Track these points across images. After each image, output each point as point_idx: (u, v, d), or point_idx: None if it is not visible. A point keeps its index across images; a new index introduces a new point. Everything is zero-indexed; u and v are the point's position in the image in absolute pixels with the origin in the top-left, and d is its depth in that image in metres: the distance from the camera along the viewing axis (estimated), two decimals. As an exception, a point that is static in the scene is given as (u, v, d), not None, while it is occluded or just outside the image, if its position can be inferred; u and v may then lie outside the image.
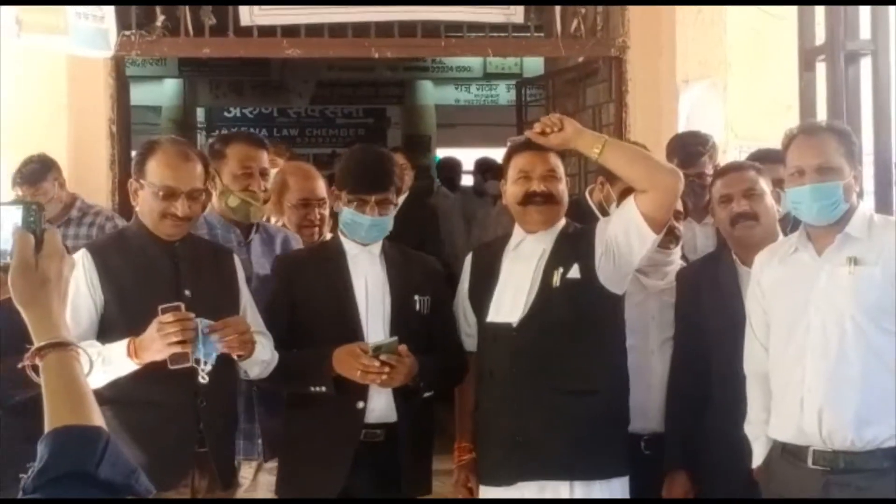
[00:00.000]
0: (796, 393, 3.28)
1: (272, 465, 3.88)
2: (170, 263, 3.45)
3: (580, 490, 3.51)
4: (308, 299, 3.66)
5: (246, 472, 3.89)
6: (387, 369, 3.40)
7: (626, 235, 3.49)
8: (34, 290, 1.80)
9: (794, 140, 3.41)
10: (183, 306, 3.23)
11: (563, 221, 3.70)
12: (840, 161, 3.33)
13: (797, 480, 3.30)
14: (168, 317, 3.18)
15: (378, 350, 3.40)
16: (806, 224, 3.40)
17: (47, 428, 1.69)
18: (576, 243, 3.61)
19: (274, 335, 3.59)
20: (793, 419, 3.29)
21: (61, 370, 1.74)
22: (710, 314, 3.72)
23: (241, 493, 3.86)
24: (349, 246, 3.69)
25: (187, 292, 3.40)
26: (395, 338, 3.45)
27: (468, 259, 3.89)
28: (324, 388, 3.51)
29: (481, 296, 3.69)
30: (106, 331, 3.30)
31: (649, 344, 3.86)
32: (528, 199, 3.61)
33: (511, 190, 3.67)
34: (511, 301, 3.61)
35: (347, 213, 3.63)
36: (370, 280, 3.63)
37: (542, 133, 3.42)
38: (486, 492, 3.67)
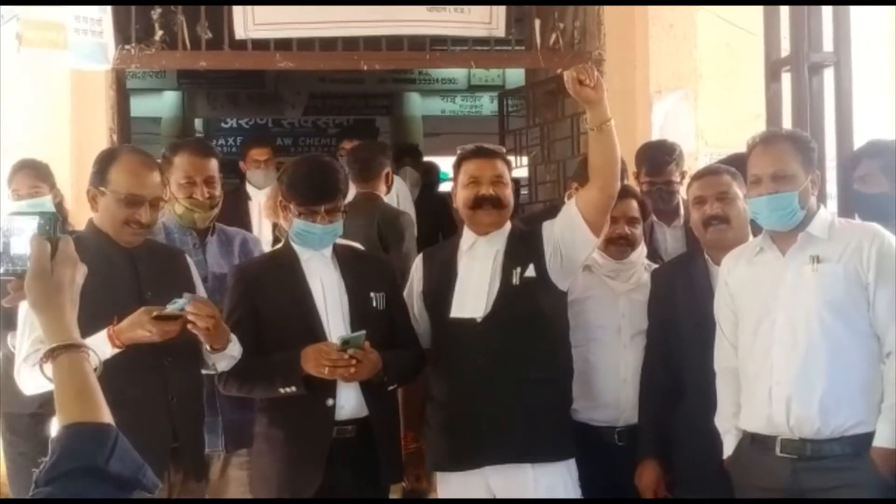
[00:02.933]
0: (765, 385, 3.30)
1: (240, 459, 3.88)
2: (129, 267, 3.40)
3: (541, 471, 3.58)
4: (268, 307, 3.61)
5: (214, 465, 3.86)
6: (354, 363, 3.39)
7: (571, 237, 3.60)
8: (49, 295, 1.82)
9: (753, 149, 3.44)
10: (181, 317, 3.18)
11: (509, 224, 3.77)
12: (795, 168, 3.35)
13: (766, 468, 3.32)
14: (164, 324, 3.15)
15: (346, 344, 3.38)
16: (765, 227, 3.42)
17: (59, 425, 1.71)
18: (527, 244, 3.70)
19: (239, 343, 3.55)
20: (762, 410, 3.30)
21: (73, 370, 1.77)
22: (683, 312, 3.73)
23: (210, 488, 3.83)
24: (301, 251, 3.65)
25: (149, 293, 3.35)
26: (363, 332, 3.43)
27: (418, 261, 3.93)
28: (293, 388, 3.47)
29: (439, 294, 3.73)
30: None
31: (621, 338, 3.88)
32: (477, 203, 3.67)
33: (461, 194, 3.73)
34: (473, 298, 3.66)
35: (298, 223, 3.59)
36: (325, 282, 3.61)
37: (580, 81, 3.40)
38: (447, 478, 3.70)
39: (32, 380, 3.15)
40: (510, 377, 3.59)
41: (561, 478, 3.61)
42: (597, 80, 3.41)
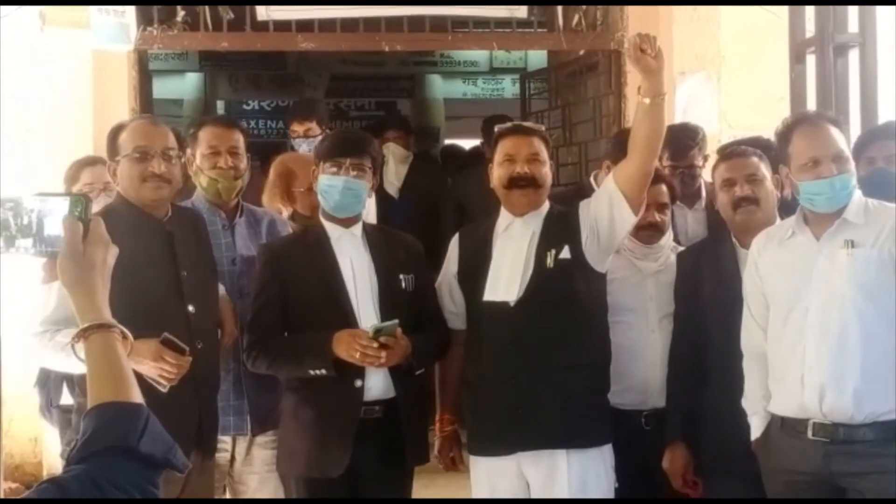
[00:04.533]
0: (797, 370, 3.27)
1: (264, 439, 3.87)
2: (165, 245, 3.41)
3: (575, 458, 3.53)
4: (297, 285, 3.61)
5: (240, 447, 3.87)
6: (383, 352, 3.39)
7: (609, 214, 3.53)
8: (81, 275, 1.83)
9: (796, 130, 3.38)
10: (187, 350, 3.18)
11: (547, 204, 3.71)
12: (847, 150, 3.34)
13: (797, 451, 3.29)
14: (171, 358, 3.14)
15: (379, 333, 3.39)
16: (806, 209, 3.38)
17: (90, 404, 1.72)
18: (563, 225, 3.64)
19: (267, 324, 3.60)
20: (793, 395, 3.28)
21: (105, 350, 1.78)
22: (709, 294, 3.70)
23: (237, 467, 3.88)
24: (331, 229, 3.66)
25: (184, 273, 3.40)
26: (396, 321, 3.43)
27: (454, 241, 3.87)
28: (323, 371, 3.47)
29: (473, 276, 3.69)
30: None
31: (649, 322, 3.85)
32: (512, 182, 3.62)
33: (497, 172, 3.68)
34: (507, 281, 3.61)
35: (322, 178, 3.61)
36: (355, 261, 3.60)
37: (642, 50, 3.35)
38: (480, 463, 3.67)
39: (47, 356, 3.21)
40: (543, 362, 3.55)
41: (594, 464, 3.56)
42: (658, 50, 3.36)
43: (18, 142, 5.62)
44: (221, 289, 3.70)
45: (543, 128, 3.85)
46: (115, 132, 3.45)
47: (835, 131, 3.35)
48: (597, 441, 3.59)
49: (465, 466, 3.81)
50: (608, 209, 3.53)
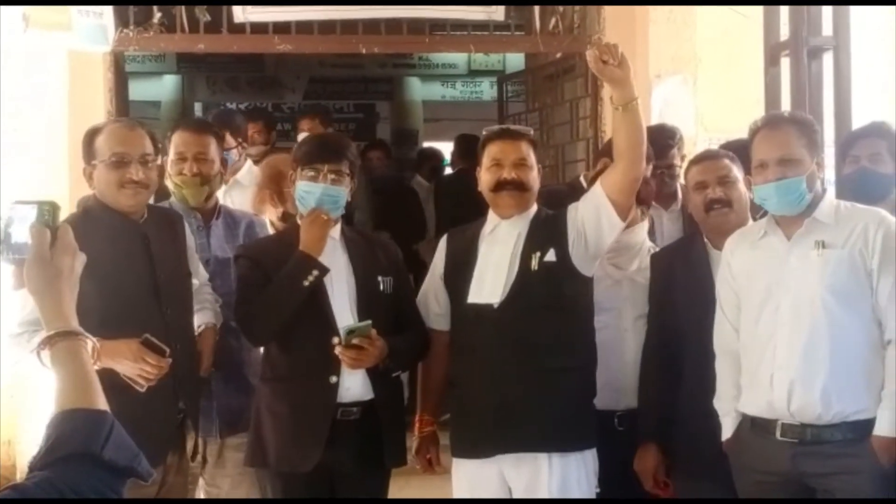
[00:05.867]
0: (767, 369, 3.29)
1: (236, 440, 3.88)
2: (142, 248, 3.41)
3: (557, 461, 3.52)
4: None
5: (211, 449, 3.88)
6: (351, 353, 3.41)
7: (596, 220, 3.52)
8: (48, 282, 1.83)
9: (757, 133, 3.41)
10: (167, 351, 3.19)
11: (535, 207, 3.71)
12: (801, 152, 3.33)
13: (766, 452, 3.31)
14: (152, 359, 3.14)
15: (352, 334, 3.40)
16: (770, 212, 3.41)
17: (55, 410, 1.72)
18: (550, 228, 3.63)
19: (254, 297, 3.59)
20: (763, 394, 3.30)
21: (70, 357, 1.77)
22: (682, 296, 3.72)
23: (209, 469, 3.90)
24: None
25: (160, 275, 3.40)
26: (369, 322, 3.44)
27: (442, 242, 3.88)
28: (316, 272, 3.49)
29: (458, 277, 3.69)
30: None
31: (623, 323, 3.86)
32: (499, 186, 3.62)
33: (484, 177, 3.68)
34: (491, 283, 3.60)
35: (300, 185, 3.61)
36: (333, 263, 3.59)
37: (603, 61, 3.34)
38: (463, 465, 3.66)
39: (25, 357, 3.20)
40: (526, 365, 3.54)
41: (576, 469, 3.55)
42: (621, 57, 3.34)
43: (-8, 144, 5.58)
44: (209, 316, 3.70)
45: (532, 131, 3.83)
46: (92, 135, 3.44)
47: (794, 133, 3.35)
48: (579, 445, 3.58)
49: (442, 468, 3.81)
50: (595, 214, 3.52)
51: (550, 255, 3.58)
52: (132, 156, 3.36)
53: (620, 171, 3.47)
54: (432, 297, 3.80)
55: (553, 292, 3.57)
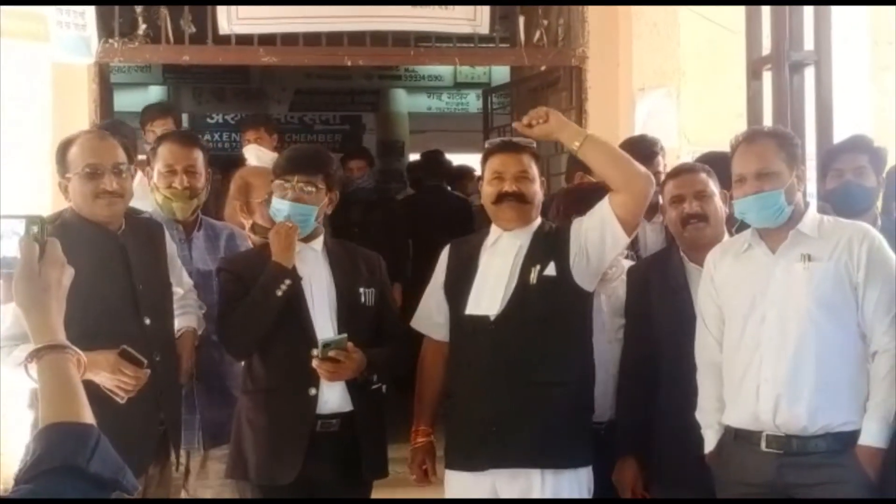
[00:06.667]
0: (752, 382, 3.30)
1: (218, 452, 3.88)
2: (119, 258, 3.41)
3: (550, 478, 3.50)
4: None
5: (194, 460, 3.89)
6: (328, 366, 3.43)
7: (600, 236, 3.49)
8: (36, 296, 1.84)
9: (737, 149, 3.43)
10: (146, 362, 3.19)
11: (538, 220, 3.70)
12: (779, 165, 3.35)
13: (751, 463, 3.32)
14: (129, 370, 3.15)
15: (328, 347, 3.42)
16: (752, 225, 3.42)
17: (41, 424, 1.72)
18: (552, 242, 3.61)
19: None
20: (748, 406, 3.31)
21: (57, 371, 1.78)
22: (659, 309, 3.72)
23: (191, 480, 3.91)
24: None
25: (139, 286, 3.40)
26: (345, 335, 3.46)
27: (444, 253, 3.86)
28: (288, 281, 3.50)
29: (458, 289, 3.68)
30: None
31: (605, 334, 3.85)
32: (500, 198, 3.61)
33: (486, 190, 3.68)
34: (490, 295, 3.59)
35: (273, 201, 3.64)
36: (314, 275, 3.61)
37: (529, 125, 3.38)
38: (455, 477, 3.64)
39: (6, 371, 3.21)
40: (521, 379, 3.51)
41: (569, 487, 3.51)
42: (544, 112, 3.40)
43: (-25, 157, 5.56)
44: (190, 320, 3.70)
45: (534, 143, 3.79)
46: (64, 148, 3.44)
47: (772, 147, 3.37)
48: (573, 463, 3.55)
49: (437, 479, 3.79)
50: (600, 229, 3.48)
51: (550, 269, 3.56)
52: (105, 166, 3.36)
53: (621, 196, 3.44)
54: (434, 307, 3.79)
55: (551, 306, 3.55)
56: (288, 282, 3.50)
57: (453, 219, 7.31)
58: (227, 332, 3.64)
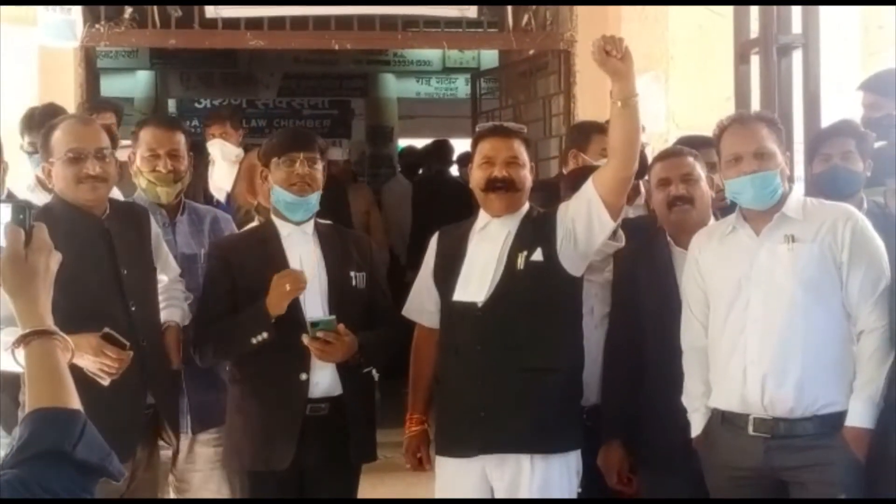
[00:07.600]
0: (738, 364, 3.31)
1: (206, 436, 3.90)
2: (104, 243, 3.41)
3: (539, 463, 3.50)
4: (246, 281, 3.61)
5: (182, 445, 3.86)
6: (318, 345, 3.43)
7: (587, 218, 3.47)
8: (23, 282, 1.84)
9: (727, 129, 3.43)
10: (129, 345, 3.20)
11: (526, 206, 3.68)
12: (773, 147, 3.37)
13: (738, 447, 3.34)
14: (112, 352, 3.15)
15: (316, 327, 3.42)
16: (742, 206, 3.42)
17: (28, 409, 1.73)
18: (539, 227, 3.60)
19: (213, 317, 3.61)
20: (735, 389, 3.32)
21: (44, 356, 1.79)
22: (645, 292, 3.72)
23: (179, 465, 3.91)
24: (281, 226, 3.67)
25: (124, 271, 3.40)
26: (333, 317, 3.46)
27: (434, 239, 3.85)
28: (265, 335, 3.48)
29: (447, 275, 3.67)
30: None
31: (593, 319, 3.85)
32: (489, 185, 3.58)
33: (475, 175, 3.65)
34: (477, 281, 3.58)
35: (279, 192, 3.62)
36: (305, 258, 3.61)
37: (606, 52, 3.29)
38: (445, 463, 3.65)
39: None
40: (508, 364, 3.50)
41: (558, 471, 3.52)
42: (625, 51, 3.29)
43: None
44: (174, 314, 3.69)
45: (525, 129, 3.77)
46: (47, 133, 3.44)
47: (764, 129, 3.39)
48: (561, 447, 3.55)
49: (431, 466, 3.78)
50: (587, 213, 3.47)
51: (537, 255, 3.54)
52: (88, 151, 3.36)
53: (612, 169, 3.42)
54: (424, 294, 3.79)
55: (538, 292, 3.54)
56: (265, 336, 3.48)
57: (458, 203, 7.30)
58: (196, 342, 3.64)
